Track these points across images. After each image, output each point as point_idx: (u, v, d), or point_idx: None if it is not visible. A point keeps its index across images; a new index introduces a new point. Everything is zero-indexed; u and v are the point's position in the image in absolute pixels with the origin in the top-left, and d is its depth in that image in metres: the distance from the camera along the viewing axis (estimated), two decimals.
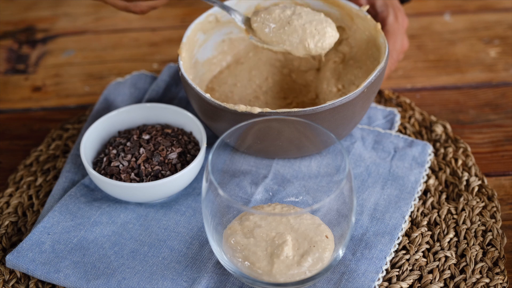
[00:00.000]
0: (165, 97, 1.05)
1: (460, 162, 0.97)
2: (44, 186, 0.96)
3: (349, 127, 0.94)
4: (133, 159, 0.91)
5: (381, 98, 1.07)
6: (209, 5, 1.03)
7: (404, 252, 0.88)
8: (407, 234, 0.90)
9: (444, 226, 0.90)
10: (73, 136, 1.02)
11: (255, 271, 0.78)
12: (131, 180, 0.90)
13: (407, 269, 0.86)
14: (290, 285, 0.79)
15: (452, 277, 0.86)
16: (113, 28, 1.24)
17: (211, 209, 0.80)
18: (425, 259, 0.87)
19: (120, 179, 0.90)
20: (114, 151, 0.92)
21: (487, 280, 0.85)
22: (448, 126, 1.02)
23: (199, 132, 0.94)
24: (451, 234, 0.89)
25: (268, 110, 0.87)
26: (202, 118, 0.94)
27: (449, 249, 0.88)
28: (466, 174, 0.95)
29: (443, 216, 0.91)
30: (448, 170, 0.96)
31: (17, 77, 1.15)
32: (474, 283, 0.85)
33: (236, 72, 1.05)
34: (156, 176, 0.90)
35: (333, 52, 1.03)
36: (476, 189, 0.94)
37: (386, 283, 0.85)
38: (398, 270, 0.86)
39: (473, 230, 0.89)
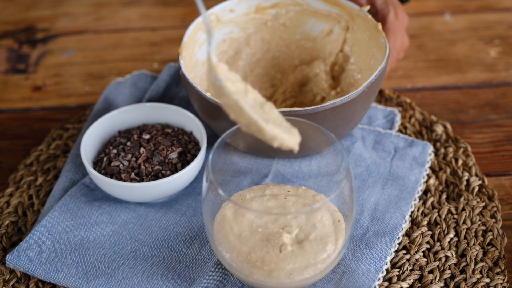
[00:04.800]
0: (165, 97, 1.05)
1: (460, 162, 0.97)
2: (44, 186, 0.96)
3: (350, 127, 0.94)
4: (134, 158, 0.91)
5: (382, 97, 1.07)
6: (210, 5, 1.03)
7: (404, 252, 0.88)
8: (408, 234, 0.90)
9: (444, 226, 0.90)
10: (73, 136, 1.02)
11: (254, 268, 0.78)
12: (131, 180, 0.90)
13: (407, 269, 0.86)
14: (290, 284, 0.78)
15: (452, 277, 0.86)
16: (113, 28, 1.24)
17: (211, 209, 0.80)
18: (425, 259, 0.87)
19: (121, 179, 0.90)
20: (115, 151, 0.92)
21: (488, 280, 0.85)
22: (449, 126, 1.02)
23: (200, 132, 0.94)
24: (452, 234, 0.89)
25: None
26: (203, 118, 0.94)
27: (449, 249, 0.88)
28: (466, 174, 0.95)
29: (443, 216, 0.91)
30: (448, 170, 0.96)
31: (17, 77, 1.15)
32: (475, 283, 0.85)
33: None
34: (157, 176, 0.90)
35: (330, 65, 1.04)
36: (476, 189, 0.94)
37: (386, 283, 0.85)
38: (398, 270, 0.86)
39: (474, 230, 0.89)
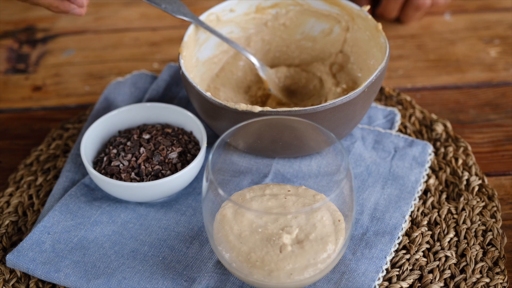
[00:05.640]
0: (165, 97, 1.05)
1: (460, 161, 0.97)
2: (44, 186, 0.96)
3: (350, 127, 0.94)
4: (134, 158, 0.91)
5: (382, 95, 1.07)
6: (210, 5, 1.03)
7: (404, 251, 0.88)
8: (407, 234, 0.90)
9: (444, 225, 0.90)
10: (73, 136, 1.02)
11: (254, 267, 0.78)
12: (131, 180, 0.90)
13: (407, 268, 0.86)
14: (290, 284, 0.78)
15: (452, 276, 0.86)
16: (113, 28, 1.24)
17: (211, 209, 0.80)
18: (425, 259, 0.87)
19: (121, 179, 0.90)
20: (115, 151, 0.92)
21: (487, 280, 0.85)
22: (449, 125, 1.02)
23: (200, 132, 0.94)
24: (451, 234, 0.89)
25: (268, 109, 0.87)
26: (203, 117, 0.94)
27: (449, 249, 0.88)
28: (466, 174, 0.95)
29: (443, 216, 0.91)
30: (448, 170, 0.96)
31: (18, 77, 1.15)
32: (474, 283, 0.85)
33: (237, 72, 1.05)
34: (157, 176, 0.90)
35: (329, 65, 1.04)
36: (476, 188, 0.94)
37: (386, 283, 0.85)
38: (398, 269, 0.86)
39: (473, 230, 0.89)
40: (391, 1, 1.17)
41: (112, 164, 0.91)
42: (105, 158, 0.92)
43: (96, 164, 0.93)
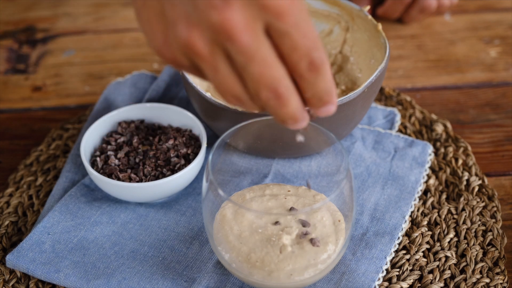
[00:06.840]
0: (165, 97, 1.05)
1: (460, 161, 0.97)
2: (44, 186, 0.96)
3: (350, 127, 0.94)
4: (132, 157, 0.91)
5: (382, 95, 1.07)
6: None
7: (404, 252, 0.88)
8: (407, 234, 0.90)
9: (444, 226, 0.90)
10: (73, 136, 1.02)
11: (254, 268, 0.78)
12: (130, 180, 0.90)
13: (407, 269, 0.86)
14: (290, 284, 0.78)
15: (452, 277, 0.86)
16: (113, 28, 1.24)
17: (211, 209, 0.80)
18: (425, 259, 0.87)
19: (118, 178, 0.90)
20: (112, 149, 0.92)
21: (487, 280, 0.85)
22: (449, 125, 1.02)
23: (200, 132, 0.94)
24: (451, 234, 0.89)
25: None
26: (203, 118, 0.94)
27: (449, 249, 0.88)
28: (466, 174, 0.95)
29: (443, 216, 0.91)
30: (448, 170, 0.96)
31: (17, 77, 1.15)
32: (475, 283, 0.85)
33: None
34: (157, 176, 0.90)
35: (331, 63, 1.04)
36: (476, 189, 0.94)
37: (386, 283, 0.85)
38: (398, 270, 0.86)
39: (473, 230, 0.89)
40: (396, 1, 1.16)
41: (109, 161, 0.91)
42: (99, 158, 0.91)
43: (94, 163, 0.93)
